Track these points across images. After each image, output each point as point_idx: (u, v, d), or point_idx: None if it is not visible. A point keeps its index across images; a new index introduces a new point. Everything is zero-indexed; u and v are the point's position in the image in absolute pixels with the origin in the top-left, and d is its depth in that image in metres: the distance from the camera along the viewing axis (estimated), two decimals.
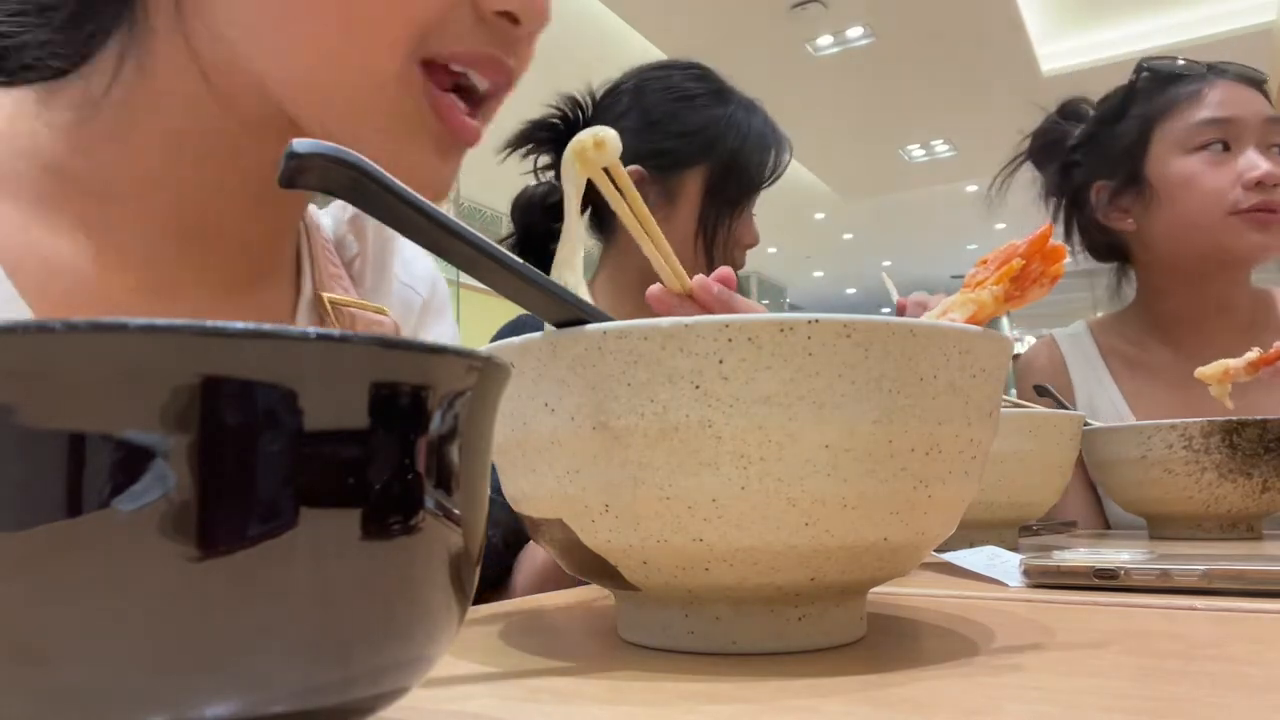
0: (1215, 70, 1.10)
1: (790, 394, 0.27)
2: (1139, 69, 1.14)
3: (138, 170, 0.45)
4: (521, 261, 0.28)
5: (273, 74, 0.42)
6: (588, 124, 0.98)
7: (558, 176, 1.01)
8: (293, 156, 0.24)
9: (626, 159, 0.89)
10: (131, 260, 0.45)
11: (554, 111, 1.03)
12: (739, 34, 5.16)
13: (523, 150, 1.02)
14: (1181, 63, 1.12)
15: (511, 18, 0.43)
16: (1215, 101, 1.07)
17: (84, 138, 0.45)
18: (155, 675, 0.14)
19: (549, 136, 1.03)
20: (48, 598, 0.14)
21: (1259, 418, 0.75)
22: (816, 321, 0.27)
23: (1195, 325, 1.10)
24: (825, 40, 5.37)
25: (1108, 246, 1.18)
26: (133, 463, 0.14)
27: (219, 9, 0.42)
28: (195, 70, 0.43)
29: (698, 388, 0.27)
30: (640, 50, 5.24)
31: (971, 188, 7.99)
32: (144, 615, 0.14)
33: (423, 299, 0.62)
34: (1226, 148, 1.06)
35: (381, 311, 0.55)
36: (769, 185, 1.03)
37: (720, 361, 0.27)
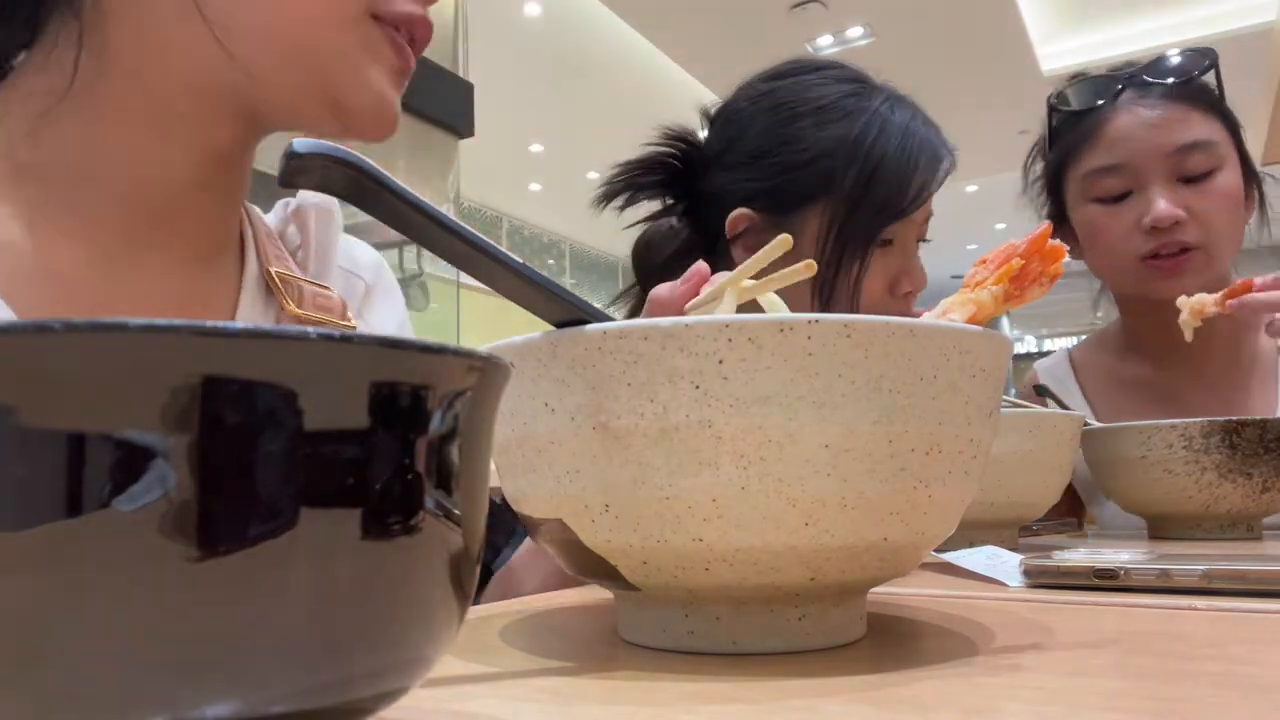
0: (1132, 85, 1.01)
1: (790, 394, 0.27)
2: (1049, 103, 1.08)
3: (96, 153, 0.47)
4: (520, 260, 0.28)
5: (240, 29, 0.46)
6: (708, 169, 0.81)
7: (684, 220, 0.86)
8: (293, 156, 0.24)
9: (725, 189, 0.78)
10: (81, 236, 0.47)
11: (665, 149, 0.83)
12: (739, 34, 5.16)
13: (621, 198, 0.83)
14: (1092, 80, 1.04)
15: None
16: (1113, 141, 1.00)
17: (48, 126, 0.46)
18: (155, 675, 0.14)
19: (657, 180, 0.84)
20: (48, 598, 0.14)
21: (1259, 418, 0.75)
22: (816, 322, 0.27)
23: (1172, 342, 0.96)
24: (825, 40, 5.36)
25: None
26: (133, 463, 0.14)
27: None
28: (152, 52, 0.46)
29: (698, 388, 0.27)
30: (641, 50, 5.24)
31: (971, 188, 7.99)
32: (144, 615, 0.14)
33: (366, 283, 0.64)
34: (1127, 193, 1.00)
35: (326, 288, 0.57)
36: (919, 205, 0.78)
37: (720, 361, 0.27)
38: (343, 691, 0.16)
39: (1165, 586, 0.43)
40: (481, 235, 0.27)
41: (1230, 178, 1.00)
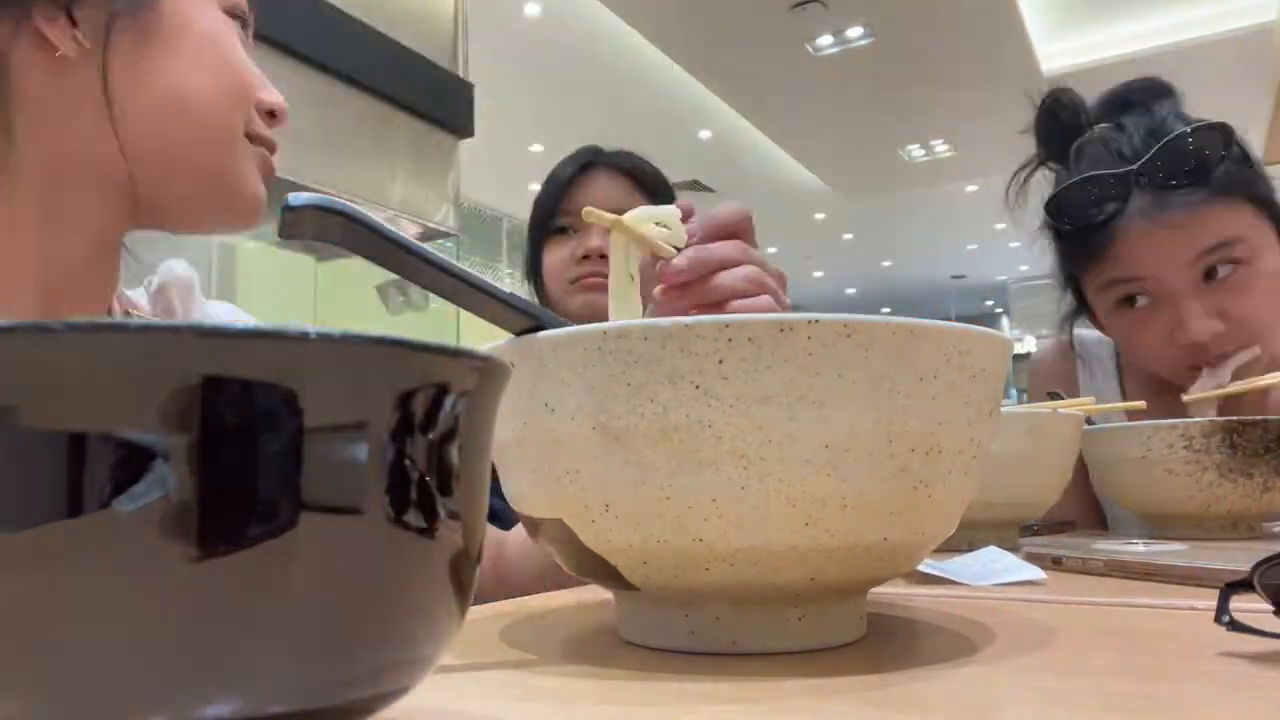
0: (1140, 187, 0.88)
1: (790, 394, 0.27)
2: (1049, 208, 0.94)
3: (8, 232, 0.53)
4: (481, 278, 0.31)
5: (148, 142, 0.55)
6: None
7: None
8: (290, 209, 0.27)
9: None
10: None
11: None
12: (739, 34, 5.16)
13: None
14: (1096, 183, 0.89)
15: (272, 112, 0.62)
16: (1127, 257, 0.89)
17: None
18: (155, 675, 0.14)
19: None
20: (48, 598, 0.14)
21: (1259, 418, 0.75)
22: (817, 321, 0.27)
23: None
24: (825, 40, 5.36)
25: None
26: (133, 463, 0.14)
27: (125, 97, 0.54)
28: (68, 154, 0.54)
29: (698, 387, 0.27)
30: (641, 50, 5.24)
31: (971, 188, 7.99)
32: (144, 615, 0.14)
33: None
34: (1151, 300, 0.90)
35: None
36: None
37: (720, 361, 0.27)
38: (343, 691, 0.16)
39: (1089, 571, 0.54)
40: (449, 259, 0.31)
41: (1268, 263, 0.88)
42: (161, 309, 0.67)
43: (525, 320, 0.31)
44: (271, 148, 0.64)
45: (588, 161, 1.15)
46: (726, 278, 0.50)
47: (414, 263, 0.29)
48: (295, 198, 0.27)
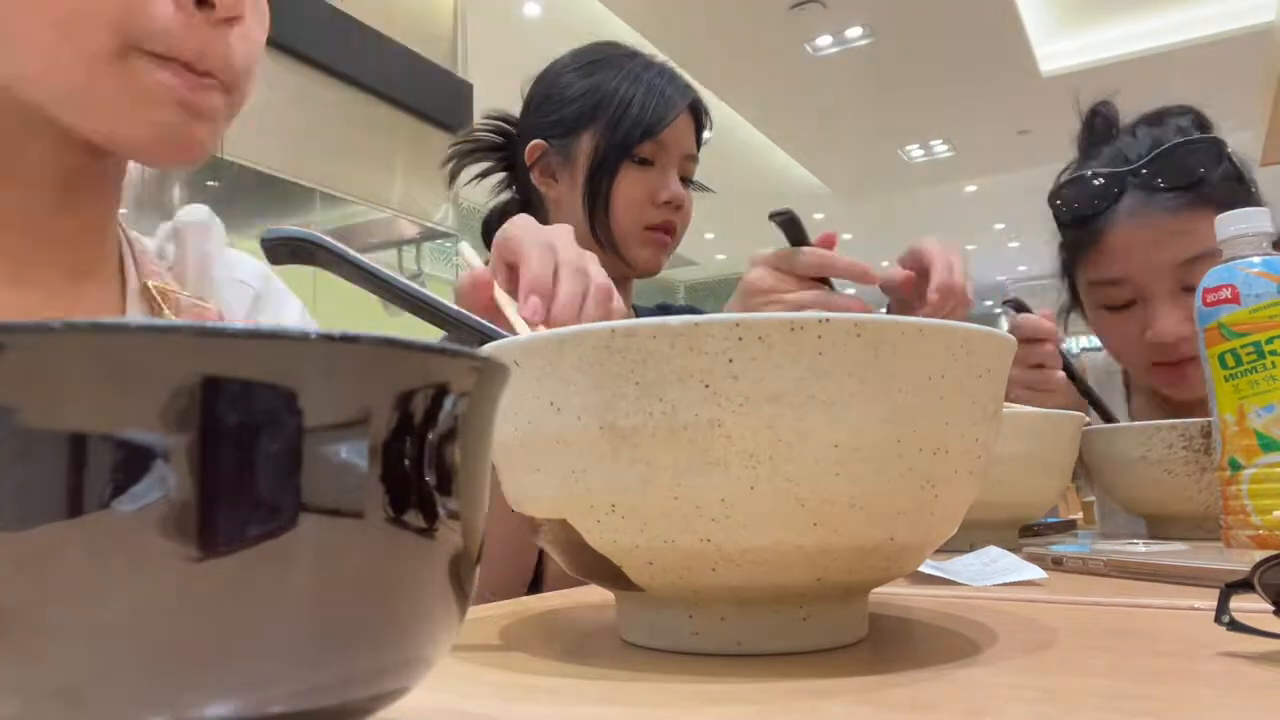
0: (1133, 188, 0.92)
1: (800, 393, 0.27)
2: (1051, 199, 0.99)
3: None
4: (434, 297, 0.36)
5: (16, 80, 0.46)
6: (520, 131, 1.05)
7: (510, 188, 1.08)
8: (264, 242, 0.34)
9: (529, 136, 1.02)
10: None
11: (489, 127, 1.08)
12: (739, 34, 5.16)
13: (477, 169, 1.08)
14: (1091, 181, 0.95)
15: (209, 4, 0.47)
16: (1114, 254, 0.94)
17: None
18: (155, 675, 0.14)
19: (497, 156, 1.08)
20: (48, 598, 0.14)
21: None
22: (827, 320, 0.27)
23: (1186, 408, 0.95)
24: (825, 40, 5.36)
25: None
26: (133, 463, 0.14)
27: None
28: None
29: (707, 386, 0.27)
30: (641, 50, 5.24)
31: (971, 188, 7.99)
32: (144, 615, 0.14)
33: (255, 290, 0.67)
34: (1132, 302, 0.94)
35: (203, 300, 0.61)
36: (655, 133, 0.98)
37: (730, 360, 0.27)
38: (343, 691, 0.16)
39: (1090, 571, 0.54)
40: (408, 281, 0.36)
41: None
42: (176, 245, 0.63)
43: (472, 335, 0.36)
44: (207, 62, 0.47)
45: (691, 103, 1.02)
46: (562, 310, 0.53)
47: (378, 283, 0.35)
48: (270, 232, 0.32)
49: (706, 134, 1.07)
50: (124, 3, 0.45)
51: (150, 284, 0.57)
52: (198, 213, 0.64)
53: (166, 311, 0.56)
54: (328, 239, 0.32)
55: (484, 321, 0.35)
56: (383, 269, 0.34)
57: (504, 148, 1.08)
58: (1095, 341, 1.10)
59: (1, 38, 0.45)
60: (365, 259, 0.34)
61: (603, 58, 1.04)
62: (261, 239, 0.30)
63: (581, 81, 1.01)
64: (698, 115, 1.04)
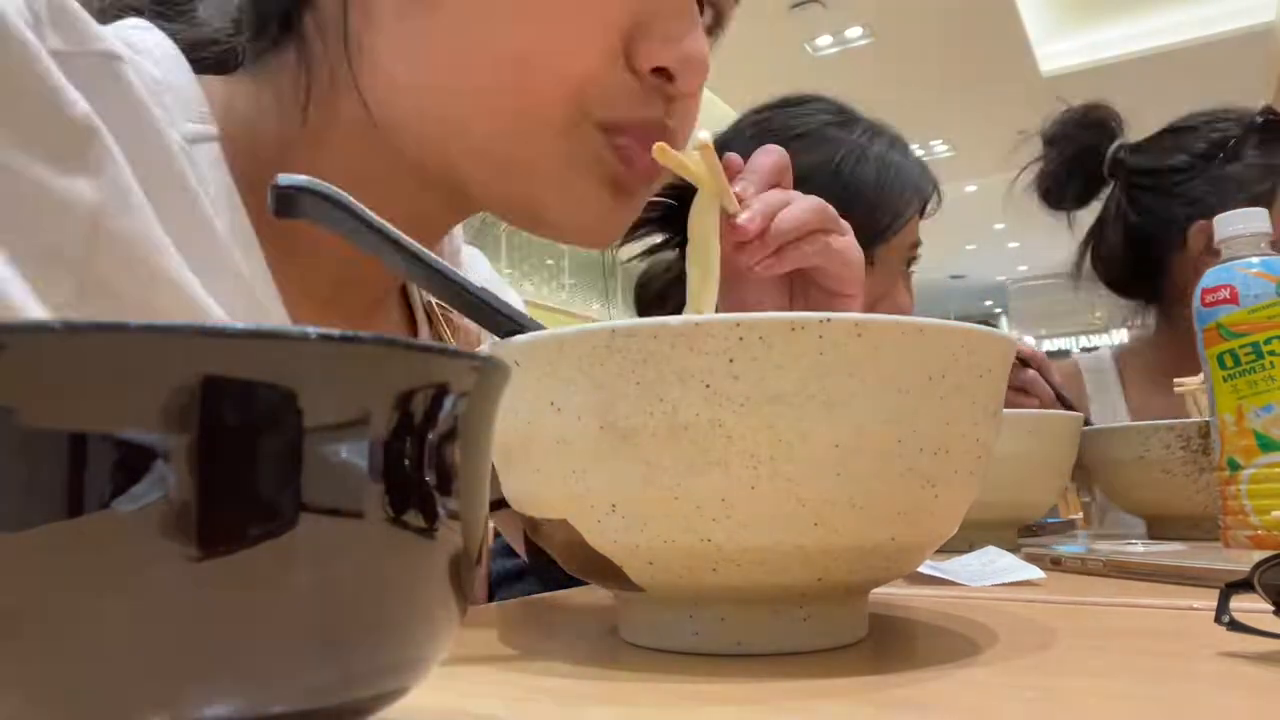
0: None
1: (801, 393, 0.27)
2: (1265, 112, 1.02)
3: None
4: (458, 275, 0.31)
5: (432, 116, 0.43)
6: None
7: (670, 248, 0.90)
8: (276, 188, 0.28)
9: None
10: (296, 280, 0.45)
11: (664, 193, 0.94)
12: (739, 34, 5.14)
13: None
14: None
15: (667, 74, 0.43)
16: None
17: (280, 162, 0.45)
18: (155, 675, 0.14)
19: (655, 217, 0.90)
20: (48, 598, 0.14)
21: None
22: (828, 320, 0.27)
23: None
24: (825, 40, 5.36)
25: (1136, 282, 1.11)
26: (133, 463, 0.14)
27: (384, 54, 0.42)
28: (366, 116, 0.44)
29: (708, 386, 0.27)
30: None
31: (971, 188, 7.98)
32: (144, 615, 0.14)
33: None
34: None
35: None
36: (895, 231, 0.85)
37: (731, 360, 0.27)
38: (343, 692, 0.16)
39: (1089, 571, 0.54)
40: (434, 255, 0.30)
41: None
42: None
43: (500, 320, 0.31)
44: (652, 137, 0.42)
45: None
46: (792, 214, 0.49)
47: (395, 252, 0.30)
48: (284, 178, 0.27)
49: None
50: (581, 66, 0.41)
51: (435, 302, 0.57)
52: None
53: (444, 328, 0.56)
54: (346, 196, 0.28)
55: (508, 304, 0.32)
56: (411, 241, 0.30)
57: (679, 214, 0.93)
58: (1095, 341, 1.11)
59: (446, 82, 0.42)
60: (388, 224, 0.29)
61: (818, 129, 0.90)
62: (272, 186, 0.27)
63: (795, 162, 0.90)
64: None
